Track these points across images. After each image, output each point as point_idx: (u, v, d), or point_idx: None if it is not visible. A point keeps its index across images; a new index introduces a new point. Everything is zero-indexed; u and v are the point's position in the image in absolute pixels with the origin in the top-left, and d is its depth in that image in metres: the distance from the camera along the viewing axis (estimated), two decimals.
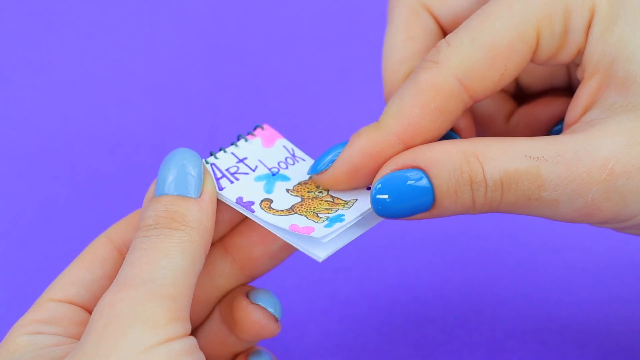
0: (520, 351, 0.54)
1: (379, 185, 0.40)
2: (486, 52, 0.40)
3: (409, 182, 0.39)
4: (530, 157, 0.39)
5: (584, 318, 0.55)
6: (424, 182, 0.39)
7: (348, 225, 0.41)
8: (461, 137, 0.44)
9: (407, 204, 0.40)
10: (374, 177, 0.41)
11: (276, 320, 0.45)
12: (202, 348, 0.39)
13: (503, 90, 0.47)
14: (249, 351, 0.47)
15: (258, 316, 0.44)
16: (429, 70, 0.40)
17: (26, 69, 0.71)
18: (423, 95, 0.40)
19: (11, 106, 0.69)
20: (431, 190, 0.39)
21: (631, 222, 0.40)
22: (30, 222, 0.63)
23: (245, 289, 0.45)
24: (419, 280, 0.58)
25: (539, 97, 0.47)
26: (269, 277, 0.49)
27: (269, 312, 0.45)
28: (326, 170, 0.42)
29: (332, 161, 0.42)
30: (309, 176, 0.44)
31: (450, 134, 0.44)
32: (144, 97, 0.69)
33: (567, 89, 0.47)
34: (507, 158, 0.39)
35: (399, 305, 0.57)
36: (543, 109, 0.46)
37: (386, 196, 0.40)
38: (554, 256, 0.58)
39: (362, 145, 0.41)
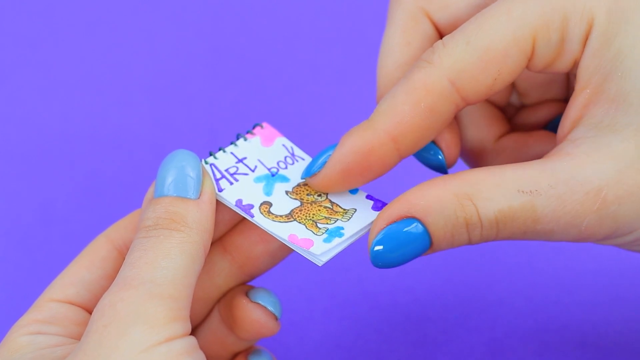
0: (520, 351, 0.54)
1: (378, 239, 0.40)
2: (480, 56, 0.40)
3: (407, 231, 0.40)
4: (523, 191, 0.39)
5: (584, 318, 0.55)
6: (420, 229, 0.40)
7: (346, 241, 0.41)
8: (444, 152, 0.44)
9: (405, 252, 0.40)
10: (367, 179, 0.42)
11: (276, 318, 0.45)
12: (201, 348, 0.39)
13: (496, 108, 0.47)
14: (248, 350, 0.47)
15: (258, 315, 0.44)
16: (422, 70, 0.40)
17: (26, 69, 0.72)
18: (414, 94, 0.40)
19: (11, 106, 0.69)
20: (428, 236, 0.40)
21: (623, 239, 0.41)
22: (30, 222, 0.63)
23: (244, 288, 0.46)
24: (418, 281, 0.58)
25: (533, 130, 0.47)
26: (268, 277, 0.49)
27: (268, 310, 0.45)
28: (318, 172, 0.42)
29: (324, 163, 0.42)
30: None
31: (433, 148, 0.44)
32: (144, 97, 0.69)
33: (565, 99, 0.47)
34: (500, 196, 0.39)
35: (399, 305, 0.57)
36: (534, 143, 0.46)
37: (383, 247, 0.40)
38: (553, 256, 0.58)
39: (353, 144, 0.41)
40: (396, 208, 0.40)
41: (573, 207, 0.39)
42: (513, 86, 0.47)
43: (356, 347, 0.55)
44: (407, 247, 0.40)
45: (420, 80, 0.40)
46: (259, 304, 0.45)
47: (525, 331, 0.55)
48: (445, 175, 0.41)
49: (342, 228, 0.42)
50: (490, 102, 0.47)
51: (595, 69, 0.40)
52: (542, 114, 0.47)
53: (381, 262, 0.40)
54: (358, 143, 0.41)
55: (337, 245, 0.41)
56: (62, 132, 0.68)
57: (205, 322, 0.46)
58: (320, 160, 0.42)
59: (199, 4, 0.76)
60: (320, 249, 0.41)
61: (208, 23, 0.74)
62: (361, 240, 0.43)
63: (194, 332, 0.46)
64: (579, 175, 0.39)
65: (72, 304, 0.42)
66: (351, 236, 0.41)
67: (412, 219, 0.40)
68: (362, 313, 0.56)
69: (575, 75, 0.41)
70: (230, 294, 0.45)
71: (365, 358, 0.55)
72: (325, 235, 0.41)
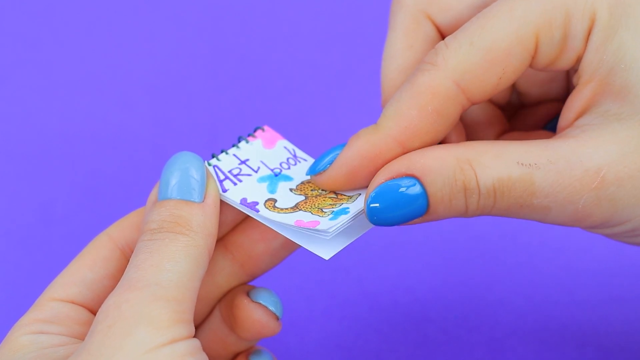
0: (520, 351, 0.54)
1: (374, 194, 0.40)
2: (484, 55, 0.40)
3: (403, 190, 0.40)
4: (522, 164, 0.39)
5: (584, 318, 0.55)
6: (417, 189, 0.40)
7: (353, 216, 0.41)
8: None
9: (401, 212, 0.40)
10: (370, 181, 0.42)
11: (277, 318, 0.45)
12: (202, 348, 0.39)
13: (496, 107, 0.48)
14: (249, 351, 0.47)
15: (259, 314, 0.44)
16: (426, 73, 0.40)
17: (26, 69, 0.71)
18: (420, 98, 0.40)
19: (11, 106, 0.69)
20: (425, 197, 0.40)
21: (620, 228, 0.41)
22: (30, 222, 0.63)
23: (245, 288, 0.46)
24: (419, 280, 0.58)
25: (532, 130, 0.47)
26: (268, 277, 0.49)
27: (269, 310, 0.45)
28: (324, 171, 0.42)
29: (331, 162, 0.42)
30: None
31: None
32: (144, 98, 0.69)
33: (564, 99, 0.47)
34: (500, 165, 0.39)
35: (399, 305, 0.57)
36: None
37: (379, 205, 0.40)
38: (553, 256, 0.58)
39: (360, 148, 0.41)
40: (396, 165, 0.40)
41: (571, 183, 0.39)
42: (513, 85, 0.47)
43: (356, 347, 0.55)
44: (403, 206, 0.40)
45: (425, 84, 0.40)
46: (260, 304, 0.45)
47: (525, 331, 0.55)
48: (448, 143, 0.41)
49: (348, 208, 0.42)
50: (490, 101, 0.47)
51: (599, 63, 0.40)
52: (541, 113, 0.47)
53: (377, 218, 0.40)
54: (365, 147, 0.41)
55: (343, 220, 0.41)
56: (62, 132, 0.67)
57: (206, 321, 0.46)
58: (327, 159, 0.42)
59: (199, 4, 0.76)
60: (326, 225, 0.41)
61: (208, 23, 0.74)
62: (361, 240, 0.43)
63: (195, 331, 0.46)
64: (580, 153, 0.39)
65: (74, 304, 0.42)
66: (357, 211, 0.41)
67: (411, 177, 0.40)
68: (362, 313, 0.56)
69: (575, 71, 0.41)
70: (231, 294, 0.46)
71: (365, 358, 0.55)
72: (331, 215, 0.41)
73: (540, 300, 0.56)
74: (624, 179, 0.39)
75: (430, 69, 0.40)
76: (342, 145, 0.42)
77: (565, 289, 0.57)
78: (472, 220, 0.60)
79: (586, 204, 0.39)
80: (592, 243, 0.58)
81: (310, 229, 0.41)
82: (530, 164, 0.39)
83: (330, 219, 0.41)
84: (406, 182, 0.40)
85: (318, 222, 0.41)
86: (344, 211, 0.41)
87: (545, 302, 0.56)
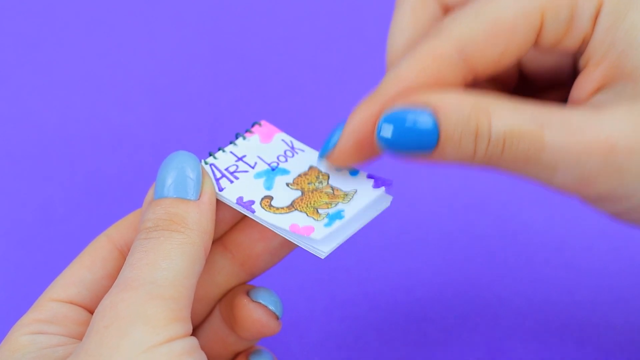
0: (520, 351, 0.54)
1: (387, 116, 0.40)
2: (489, 27, 0.40)
3: (415, 118, 0.39)
4: (536, 119, 0.39)
5: (584, 318, 0.55)
6: (431, 121, 0.39)
7: (347, 221, 0.41)
8: None
9: (410, 139, 0.40)
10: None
11: (277, 318, 0.45)
12: (202, 347, 0.39)
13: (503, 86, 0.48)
14: (249, 350, 0.47)
15: (259, 314, 0.44)
16: (430, 39, 0.41)
17: (26, 69, 0.72)
18: (420, 61, 0.40)
19: (11, 106, 0.69)
20: (436, 131, 0.39)
21: (624, 204, 0.40)
22: (30, 222, 0.63)
23: (245, 287, 0.46)
24: (419, 280, 0.58)
25: None
26: (268, 276, 0.49)
27: (269, 310, 0.45)
28: (334, 148, 0.42)
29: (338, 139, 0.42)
30: (308, 166, 0.44)
31: None
32: (144, 97, 0.70)
33: (571, 84, 0.47)
34: (514, 116, 0.39)
35: (399, 305, 0.57)
36: None
37: (391, 127, 0.40)
38: (554, 256, 0.58)
39: (361, 115, 0.41)
40: (415, 95, 0.40)
41: (581, 145, 0.39)
42: (519, 71, 0.47)
43: (356, 347, 0.55)
44: (414, 134, 0.39)
45: (426, 49, 0.40)
46: (260, 303, 0.45)
47: (525, 331, 0.55)
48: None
49: (343, 210, 0.42)
50: (497, 89, 0.47)
51: (609, 45, 0.40)
52: (549, 101, 0.47)
53: (386, 141, 0.40)
54: (366, 113, 0.41)
55: (338, 228, 0.41)
56: (62, 132, 0.68)
57: (206, 321, 0.46)
58: (335, 137, 0.42)
59: (199, 4, 0.76)
60: (320, 233, 0.41)
61: (208, 23, 0.74)
62: (361, 240, 0.43)
63: (195, 331, 0.46)
64: (593, 120, 0.39)
65: (73, 304, 0.42)
66: (352, 217, 0.41)
67: (427, 109, 0.39)
68: (362, 313, 0.56)
69: (581, 54, 0.41)
70: (231, 294, 0.46)
71: (365, 358, 0.55)
72: (325, 220, 0.41)
73: (540, 300, 0.56)
74: (634, 150, 0.39)
75: (434, 36, 0.40)
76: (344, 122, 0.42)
77: (565, 289, 0.57)
78: (473, 220, 0.60)
79: (593, 168, 0.39)
80: (592, 243, 0.58)
81: (304, 237, 0.41)
82: (542, 121, 0.39)
83: (325, 225, 0.41)
84: (421, 112, 0.39)
85: (312, 229, 0.41)
86: (339, 215, 0.41)
87: (545, 302, 0.56)
